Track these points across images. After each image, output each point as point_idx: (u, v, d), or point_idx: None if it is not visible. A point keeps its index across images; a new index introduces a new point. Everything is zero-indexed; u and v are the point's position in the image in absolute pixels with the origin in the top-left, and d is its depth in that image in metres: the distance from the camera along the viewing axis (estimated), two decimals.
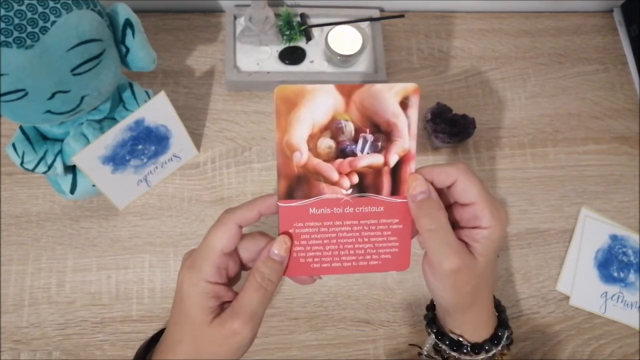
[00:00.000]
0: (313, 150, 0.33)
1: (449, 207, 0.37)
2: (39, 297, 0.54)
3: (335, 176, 0.33)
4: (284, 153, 0.32)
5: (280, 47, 0.66)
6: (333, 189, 0.34)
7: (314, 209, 0.34)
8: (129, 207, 0.58)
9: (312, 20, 0.68)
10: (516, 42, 0.73)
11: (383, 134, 0.33)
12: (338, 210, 0.34)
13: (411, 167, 0.34)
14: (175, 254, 0.57)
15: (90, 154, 0.49)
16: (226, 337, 0.34)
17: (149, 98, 0.55)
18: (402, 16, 0.68)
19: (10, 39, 0.38)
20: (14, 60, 0.38)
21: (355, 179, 0.34)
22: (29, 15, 0.38)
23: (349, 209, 0.34)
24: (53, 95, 0.43)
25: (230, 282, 0.37)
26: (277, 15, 0.65)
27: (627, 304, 0.58)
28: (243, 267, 0.38)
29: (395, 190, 0.34)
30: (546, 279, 0.59)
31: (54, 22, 0.39)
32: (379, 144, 0.33)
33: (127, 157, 0.53)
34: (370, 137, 0.33)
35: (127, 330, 0.53)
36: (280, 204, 0.34)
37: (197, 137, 0.62)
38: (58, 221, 0.57)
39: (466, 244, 0.35)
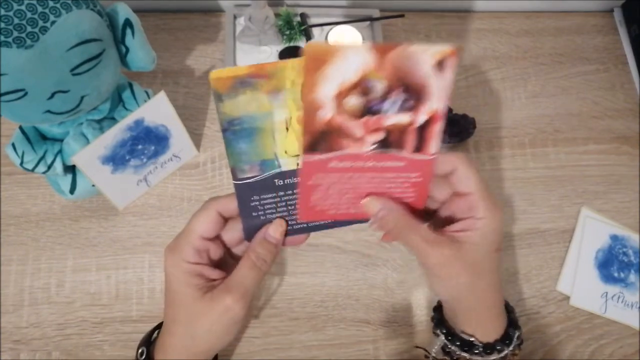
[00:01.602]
0: (340, 107, 0.32)
1: (445, 202, 0.38)
2: (39, 297, 0.54)
3: (359, 133, 0.33)
4: (308, 110, 0.32)
5: (280, 47, 0.66)
6: (356, 145, 0.33)
7: (336, 162, 0.34)
8: (129, 207, 0.58)
9: (312, 20, 0.68)
10: (516, 42, 0.73)
11: (413, 94, 0.32)
12: (359, 164, 0.34)
13: (438, 126, 0.33)
14: None
15: (89, 154, 0.49)
16: (219, 312, 0.35)
17: (149, 98, 0.55)
18: (402, 16, 0.68)
19: (10, 39, 0.37)
20: (14, 60, 0.38)
21: (380, 136, 0.33)
22: (29, 15, 0.38)
23: (370, 163, 0.34)
24: (53, 95, 0.43)
25: (216, 264, 0.38)
26: (277, 15, 0.65)
27: (628, 304, 0.58)
28: (229, 252, 0.39)
29: (419, 148, 0.34)
30: (546, 279, 0.59)
31: (53, 22, 0.39)
32: (408, 103, 0.32)
33: (127, 157, 0.53)
34: (400, 97, 0.32)
35: (127, 331, 0.53)
36: (303, 157, 0.33)
37: (197, 137, 0.62)
38: (58, 221, 0.57)
39: (460, 235, 0.36)
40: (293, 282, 0.56)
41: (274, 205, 0.36)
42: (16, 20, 0.37)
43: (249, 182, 0.34)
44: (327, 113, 0.32)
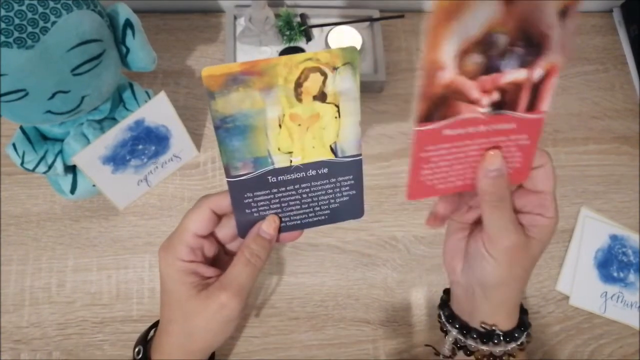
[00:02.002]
0: (460, 67, 0.30)
1: (514, 192, 0.37)
2: (39, 297, 0.54)
3: (475, 94, 0.31)
4: (428, 72, 0.30)
5: (281, 48, 0.66)
6: (471, 108, 0.32)
7: (449, 130, 0.32)
8: (129, 207, 0.58)
9: (312, 21, 0.68)
10: None
11: (534, 46, 0.31)
12: (472, 130, 0.33)
13: (554, 80, 0.32)
14: None
15: (90, 154, 0.49)
16: (214, 310, 0.35)
17: (149, 98, 0.55)
18: (402, 16, 0.68)
19: (10, 39, 0.38)
20: (15, 60, 0.38)
21: (496, 96, 0.32)
22: (30, 15, 0.38)
23: (482, 127, 0.33)
24: (53, 95, 0.43)
25: (210, 261, 0.38)
26: (277, 16, 0.65)
27: (627, 304, 0.58)
28: (223, 248, 0.40)
29: (531, 106, 0.33)
30: (546, 278, 0.59)
31: (54, 23, 0.39)
32: (528, 57, 0.31)
33: (128, 157, 0.53)
34: (520, 51, 0.31)
35: (128, 330, 0.53)
36: (416, 128, 0.32)
37: (197, 137, 0.62)
38: (58, 221, 0.57)
39: (524, 228, 0.36)
40: (293, 281, 0.56)
41: (267, 202, 0.36)
42: (17, 21, 0.38)
43: (242, 180, 0.34)
44: (447, 74, 0.30)
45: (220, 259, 0.40)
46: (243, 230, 0.37)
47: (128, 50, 0.48)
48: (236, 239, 0.39)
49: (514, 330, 0.38)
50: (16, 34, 0.38)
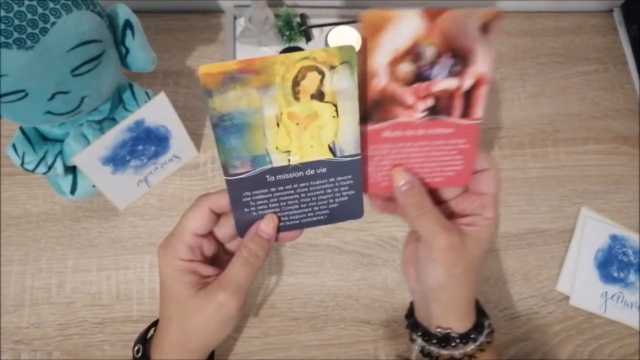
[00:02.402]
0: (392, 75, 0.33)
1: (455, 198, 0.39)
2: (39, 298, 0.54)
3: (410, 100, 0.34)
4: (364, 78, 0.33)
5: (280, 48, 0.66)
6: (407, 113, 0.35)
7: (388, 132, 0.35)
8: (129, 207, 0.58)
9: (312, 21, 0.68)
10: (516, 42, 0.73)
11: (461, 58, 0.33)
12: (410, 133, 0.35)
13: (484, 90, 0.35)
14: None
15: (90, 155, 0.49)
16: (213, 309, 0.35)
17: (149, 99, 0.55)
18: None
19: (10, 40, 0.38)
20: (14, 61, 0.38)
21: (430, 102, 0.35)
22: (29, 16, 0.38)
23: (420, 131, 0.35)
24: (53, 96, 0.43)
25: (209, 260, 0.38)
26: (277, 16, 0.65)
27: (627, 304, 0.58)
28: (223, 248, 0.40)
29: (466, 113, 0.35)
30: (546, 279, 0.59)
31: (53, 23, 0.39)
32: (456, 68, 0.34)
33: (127, 158, 0.53)
34: (448, 62, 0.33)
35: (128, 331, 0.53)
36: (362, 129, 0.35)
37: (197, 138, 0.62)
38: (58, 222, 0.57)
39: (466, 228, 0.37)
40: (293, 282, 0.56)
41: (266, 201, 0.36)
42: (16, 22, 0.38)
43: (241, 178, 0.34)
44: (380, 81, 0.33)
45: (220, 258, 0.40)
46: (242, 230, 0.37)
47: (128, 50, 0.48)
48: (235, 238, 0.39)
49: (470, 332, 0.38)
50: (16, 35, 0.38)
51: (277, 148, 0.34)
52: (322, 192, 0.36)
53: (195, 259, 0.37)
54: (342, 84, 0.32)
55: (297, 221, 0.37)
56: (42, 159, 0.50)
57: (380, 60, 0.33)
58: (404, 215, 0.41)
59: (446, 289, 0.37)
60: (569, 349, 0.56)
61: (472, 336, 0.38)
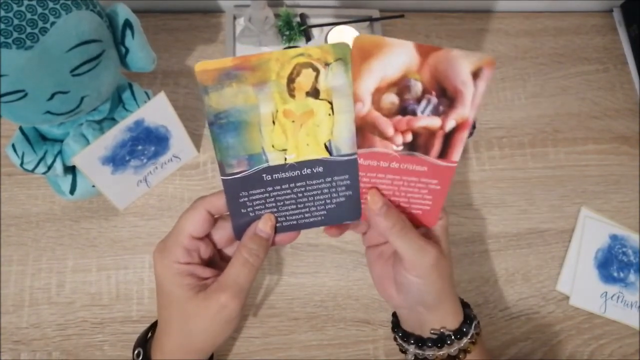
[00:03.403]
0: (375, 103, 0.33)
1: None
2: (39, 298, 0.54)
3: (390, 131, 0.34)
4: None
5: (280, 48, 0.66)
6: (384, 144, 0.35)
7: (362, 159, 0.35)
8: (129, 207, 0.58)
9: (312, 21, 0.68)
10: (516, 42, 0.73)
11: (447, 99, 0.33)
12: (384, 165, 0.35)
13: (465, 134, 0.35)
14: None
15: (90, 155, 0.49)
16: (214, 311, 0.35)
17: (149, 98, 0.55)
18: (402, 16, 0.68)
19: (9, 40, 0.38)
20: (14, 61, 0.38)
21: (409, 137, 0.34)
22: (29, 16, 0.38)
23: (394, 164, 0.35)
24: (53, 96, 0.43)
25: (206, 263, 0.38)
26: (277, 16, 0.65)
27: (627, 304, 0.58)
28: (219, 253, 0.40)
29: (443, 154, 0.35)
30: (546, 279, 0.59)
31: (53, 23, 0.39)
32: (441, 107, 0.34)
33: (127, 158, 0.53)
34: (434, 100, 0.33)
35: (127, 331, 0.53)
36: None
37: (197, 138, 0.62)
38: (58, 222, 0.57)
39: (428, 236, 0.38)
40: (293, 282, 0.56)
41: (262, 201, 0.35)
42: (16, 22, 0.38)
43: (237, 178, 0.34)
44: (363, 108, 0.33)
45: (216, 263, 0.39)
46: (239, 231, 0.36)
47: (127, 50, 0.47)
48: (231, 243, 0.39)
49: (462, 326, 0.39)
50: (15, 35, 0.38)
51: (273, 146, 0.34)
52: (319, 192, 0.36)
53: (192, 262, 0.36)
54: (336, 81, 0.32)
55: (295, 222, 0.37)
56: (42, 159, 0.50)
57: (366, 86, 0.32)
58: (357, 228, 0.41)
59: (439, 298, 0.38)
60: (569, 349, 0.56)
61: (464, 329, 0.39)
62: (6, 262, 0.55)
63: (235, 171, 0.34)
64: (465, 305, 0.41)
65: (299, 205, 0.36)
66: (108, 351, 0.52)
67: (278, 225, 0.37)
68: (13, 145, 0.49)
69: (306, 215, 0.37)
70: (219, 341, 0.38)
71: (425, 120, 0.34)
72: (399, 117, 0.34)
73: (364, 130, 0.34)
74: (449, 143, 0.35)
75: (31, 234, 0.56)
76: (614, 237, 0.61)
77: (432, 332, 0.39)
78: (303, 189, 0.36)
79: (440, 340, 0.39)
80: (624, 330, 0.57)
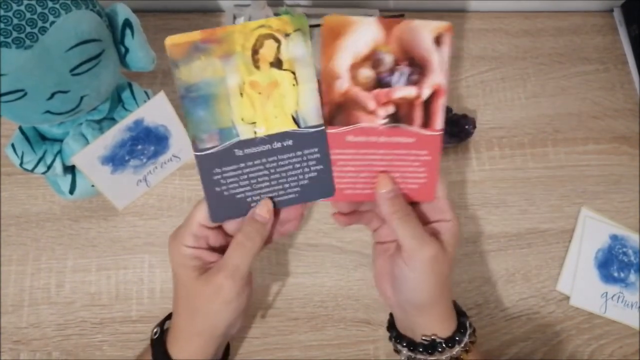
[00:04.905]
0: (354, 79, 0.34)
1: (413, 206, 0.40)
2: (39, 298, 0.54)
3: (372, 105, 0.35)
4: (327, 80, 0.34)
5: None
6: (369, 118, 0.35)
7: (351, 136, 0.36)
8: (129, 207, 0.58)
9: (312, 21, 0.68)
10: (516, 42, 0.73)
11: (418, 67, 0.35)
12: (373, 139, 0.36)
13: (442, 101, 0.36)
14: None
15: (89, 154, 0.49)
16: (212, 291, 0.37)
17: (149, 98, 0.55)
18: (402, 16, 0.68)
19: (9, 40, 0.37)
20: (13, 60, 0.38)
21: (391, 109, 0.35)
22: (28, 15, 0.38)
23: (382, 138, 0.36)
24: (52, 95, 0.43)
25: (217, 251, 0.40)
26: (277, 15, 0.65)
27: (628, 304, 0.58)
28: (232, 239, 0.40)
29: (426, 123, 0.36)
30: (546, 279, 0.59)
31: (53, 23, 0.39)
32: (414, 77, 0.35)
33: (127, 158, 0.53)
34: (406, 70, 0.34)
35: (127, 331, 0.53)
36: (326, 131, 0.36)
37: None
38: (57, 221, 0.57)
39: (436, 236, 0.38)
40: (293, 282, 0.56)
41: (236, 178, 0.36)
42: (15, 21, 0.37)
43: (210, 153, 0.35)
44: (343, 84, 0.34)
45: None
46: (214, 211, 0.37)
47: (127, 50, 0.47)
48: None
49: (454, 335, 0.39)
50: (15, 34, 0.38)
51: (242, 119, 0.35)
52: (291, 167, 0.36)
53: (199, 247, 0.38)
54: (297, 51, 0.34)
55: (270, 200, 0.37)
56: (41, 158, 0.50)
57: (342, 62, 0.34)
58: (370, 224, 0.42)
59: (430, 299, 0.38)
60: (569, 349, 0.56)
61: (456, 338, 0.39)
62: (6, 262, 0.55)
63: (207, 146, 0.35)
64: (461, 314, 0.41)
65: (272, 182, 0.37)
66: (108, 351, 0.52)
67: (253, 205, 0.37)
68: (12, 145, 0.49)
69: (280, 192, 0.37)
70: (220, 323, 0.38)
71: (402, 90, 0.35)
72: (377, 90, 0.35)
73: (348, 107, 0.35)
74: (429, 111, 0.36)
75: (31, 234, 0.56)
76: (614, 237, 0.61)
77: (423, 337, 0.39)
78: (275, 164, 0.36)
79: (431, 346, 0.39)
80: (624, 331, 0.57)
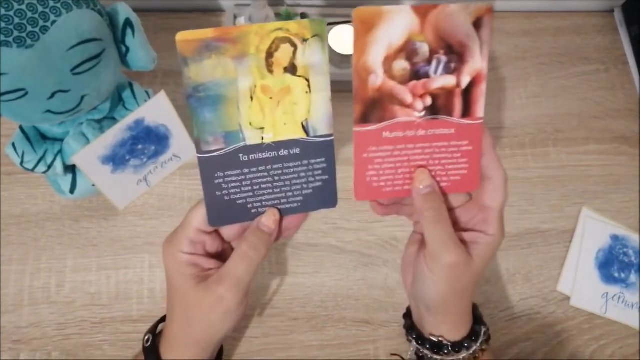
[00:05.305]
0: (388, 72, 0.33)
1: (461, 205, 0.38)
2: (39, 297, 0.54)
3: (409, 98, 0.33)
4: (360, 76, 0.32)
5: None
6: (406, 112, 0.34)
7: (388, 132, 0.34)
8: (129, 207, 0.58)
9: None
10: (516, 42, 0.73)
11: (456, 54, 0.33)
12: (410, 134, 0.34)
13: (482, 88, 0.34)
14: None
15: (90, 154, 0.49)
16: (212, 302, 0.35)
17: (149, 98, 0.55)
18: None
19: (10, 39, 0.37)
20: (14, 59, 0.38)
21: (429, 100, 0.34)
22: (29, 14, 0.38)
23: (421, 131, 0.34)
24: (53, 94, 0.43)
25: (213, 257, 0.39)
26: (277, 15, 0.65)
27: (628, 305, 0.58)
28: (230, 247, 0.40)
29: (466, 112, 0.34)
30: (547, 279, 0.59)
31: (54, 22, 0.39)
32: (452, 65, 0.33)
33: (127, 157, 0.53)
34: (443, 59, 0.33)
35: (127, 331, 0.53)
36: (355, 129, 0.34)
37: None
38: (58, 221, 0.57)
39: (466, 245, 0.36)
40: (293, 282, 0.56)
41: (238, 183, 0.35)
42: (16, 20, 0.37)
43: (213, 156, 0.34)
44: (377, 78, 0.33)
45: (227, 256, 0.40)
46: (212, 215, 0.36)
47: (128, 49, 0.47)
48: (240, 237, 0.39)
49: (463, 341, 0.38)
50: (16, 33, 0.38)
51: (250, 124, 0.33)
52: (296, 175, 0.35)
53: (196, 253, 0.37)
54: (313, 57, 0.32)
55: (277, 210, 0.37)
56: (42, 158, 0.50)
57: (375, 56, 0.32)
58: (411, 216, 0.40)
59: (442, 304, 0.37)
60: (569, 350, 0.56)
61: (465, 345, 0.38)
62: (6, 262, 0.55)
63: (211, 149, 0.34)
64: (479, 321, 0.40)
65: (275, 190, 0.36)
66: (108, 351, 0.52)
67: (254, 211, 0.36)
68: (13, 144, 0.49)
69: (282, 200, 0.36)
70: (220, 333, 0.38)
71: (440, 80, 0.33)
72: (414, 82, 0.33)
73: (383, 102, 0.33)
74: (469, 100, 0.34)
75: (31, 234, 0.56)
76: (614, 238, 0.61)
77: (431, 336, 0.39)
78: (280, 172, 0.35)
79: (437, 346, 0.38)
80: (625, 331, 0.57)
